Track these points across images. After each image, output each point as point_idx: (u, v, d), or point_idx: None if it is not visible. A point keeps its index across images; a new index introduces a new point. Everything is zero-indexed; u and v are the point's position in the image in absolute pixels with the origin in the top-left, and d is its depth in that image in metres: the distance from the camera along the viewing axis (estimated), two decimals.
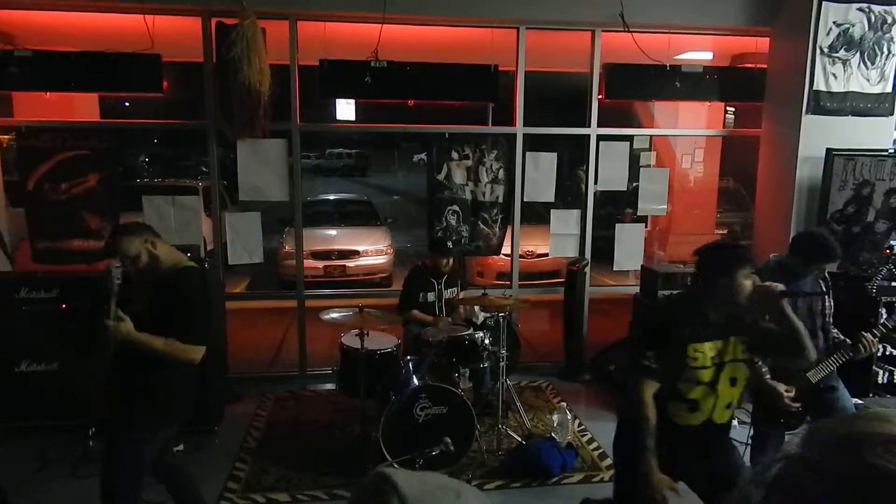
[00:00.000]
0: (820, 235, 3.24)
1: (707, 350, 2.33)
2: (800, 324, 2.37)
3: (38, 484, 3.69)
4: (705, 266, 2.40)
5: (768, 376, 3.15)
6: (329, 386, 5.11)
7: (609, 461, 4.05)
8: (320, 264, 8.14)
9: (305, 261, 6.86)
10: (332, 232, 9.07)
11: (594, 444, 4.28)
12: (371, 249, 8.53)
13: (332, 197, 11.98)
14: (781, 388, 3.12)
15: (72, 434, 4.06)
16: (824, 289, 3.28)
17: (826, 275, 3.30)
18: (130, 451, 2.76)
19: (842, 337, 3.30)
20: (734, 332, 2.37)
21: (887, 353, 4.66)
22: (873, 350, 3.18)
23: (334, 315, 4.05)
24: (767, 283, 2.37)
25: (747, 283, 2.29)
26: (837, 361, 3.19)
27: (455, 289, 4.74)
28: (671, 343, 2.32)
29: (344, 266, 8.26)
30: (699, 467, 2.44)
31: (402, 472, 0.72)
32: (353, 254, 8.39)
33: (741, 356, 2.39)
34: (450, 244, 4.81)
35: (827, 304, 3.27)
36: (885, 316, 3.37)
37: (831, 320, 3.30)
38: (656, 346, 2.34)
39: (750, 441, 3.60)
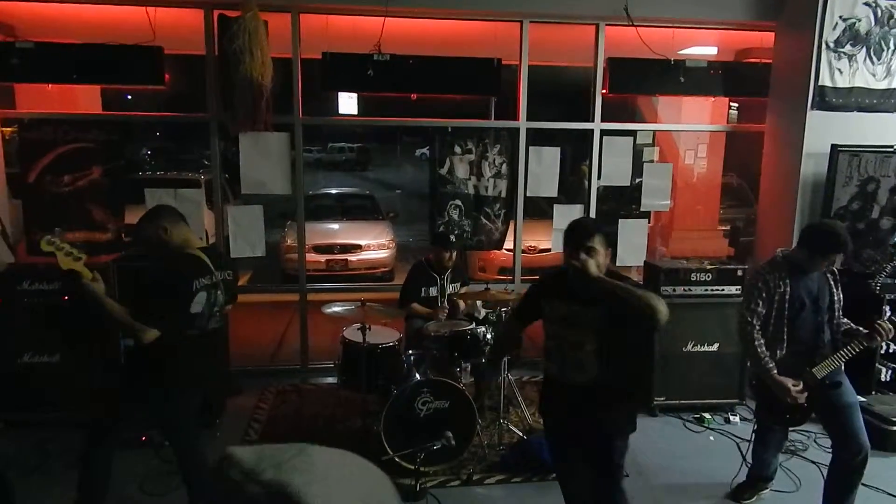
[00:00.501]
0: (830, 227, 3.18)
1: (554, 307, 2.60)
2: (627, 288, 2.41)
3: (41, 476, 3.69)
4: None
5: (775, 371, 3.14)
6: (331, 379, 5.11)
7: None
8: (322, 258, 8.14)
9: (307, 254, 6.85)
10: (335, 226, 9.07)
11: None
12: (373, 243, 8.53)
13: (334, 191, 11.98)
14: (789, 382, 3.11)
15: (73, 426, 4.07)
16: (832, 283, 3.23)
17: (835, 268, 3.24)
18: (113, 448, 2.89)
19: (854, 326, 3.24)
20: (590, 301, 2.49)
21: (890, 350, 4.65)
22: (890, 337, 3.08)
23: (336, 308, 4.05)
24: (583, 259, 2.43)
25: (582, 258, 2.44)
26: (848, 354, 3.13)
27: (457, 283, 4.73)
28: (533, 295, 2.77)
29: (346, 260, 8.26)
30: (576, 424, 2.67)
31: (240, 447, 0.79)
32: (356, 248, 8.39)
33: (594, 325, 2.50)
34: (452, 238, 4.79)
35: (835, 297, 3.23)
36: (888, 313, 3.33)
37: (840, 314, 3.24)
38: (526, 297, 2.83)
39: (753, 437, 3.60)
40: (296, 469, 0.74)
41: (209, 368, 3.08)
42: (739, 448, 4.04)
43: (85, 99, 6.21)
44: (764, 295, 3.19)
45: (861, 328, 3.19)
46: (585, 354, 2.52)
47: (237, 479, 0.72)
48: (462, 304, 4.75)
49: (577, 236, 2.48)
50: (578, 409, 2.60)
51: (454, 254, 4.66)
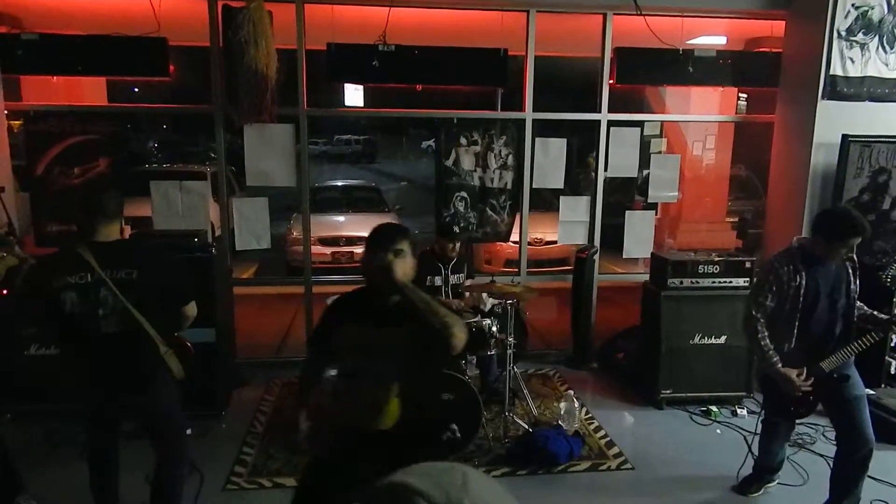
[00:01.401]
0: (844, 210, 3.09)
1: (348, 333, 2.16)
2: (429, 301, 2.05)
3: (48, 467, 3.72)
4: None
5: (779, 365, 3.10)
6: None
7: (617, 449, 4.04)
8: (328, 250, 8.14)
9: (313, 247, 6.82)
10: (340, 218, 9.07)
11: (601, 433, 4.26)
12: None
13: (339, 183, 11.99)
14: (793, 374, 3.07)
15: (80, 417, 4.09)
16: (850, 272, 3.14)
17: (854, 256, 3.13)
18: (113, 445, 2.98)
19: (871, 311, 3.16)
20: (391, 321, 2.08)
21: None
22: None
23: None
24: (390, 260, 2.06)
25: (389, 258, 2.06)
26: (858, 349, 3.08)
27: (461, 274, 4.71)
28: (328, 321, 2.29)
29: (352, 252, 8.25)
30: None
31: (410, 473, 0.73)
32: (361, 240, 8.31)
33: (396, 352, 2.06)
34: (457, 229, 4.76)
35: (852, 287, 3.14)
36: None
37: (855, 303, 3.16)
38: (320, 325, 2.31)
39: (759, 428, 3.58)
40: (483, 497, 0.71)
41: (114, 373, 2.76)
42: (746, 441, 4.01)
43: (91, 91, 6.21)
44: (774, 289, 3.12)
45: (881, 315, 3.14)
46: (384, 392, 2.04)
47: None
48: (467, 295, 4.74)
49: (383, 237, 2.13)
50: (371, 462, 1.89)
51: (458, 245, 4.64)
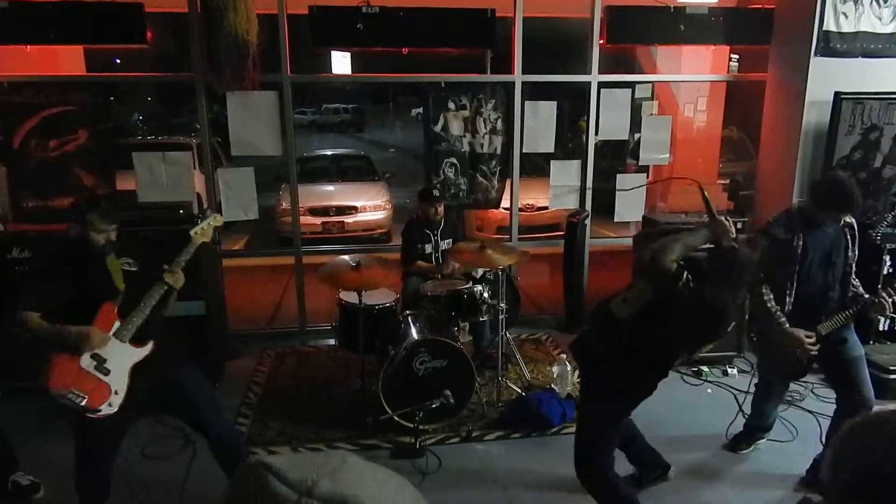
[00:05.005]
0: (838, 183, 3.05)
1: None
2: None
3: (41, 441, 3.71)
4: None
5: (787, 325, 3.09)
6: (329, 341, 5.12)
7: None
8: (318, 220, 8.08)
9: (303, 217, 6.72)
10: (330, 188, 8.98)
11: None
12: (369, 205, 8.44)
13: (329, 152, 11.83)
14: (802, 333, 3.06)
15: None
16: (849, 239, 3.13)
17: (853, 222, 3.13)
18: None
19: (861, 290, 3.17)
20: None
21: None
22: (889, 312, 3.05)
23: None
24: None
25: None
26: (854, 313, 3.08)
27: (451, 240, 4.68)
28: None
29: (342, 222, 8.20)
30: None
31: (274, 457, 0.72)
32: (352, 209, 8.31)
33: None
34: (436, 192, 4.70)
35: (849, 254, 3.13)
36: (888, 262, 3.26)
37: (852, 271, 3.16)
38: None
39: (754, 390, 3.61)
40: (352, 482, 0.68)
41: None
42: (737, 399, 4.05)
43: (68, 61, 6.02)
44: (772, 248, 3.12)
45: (868, 296, 3.13)
46: None
47: (292, 497, 0.65)
48: (457, 263, 4.71)
49: None
50: None
51: (441, 207, 4.60)
